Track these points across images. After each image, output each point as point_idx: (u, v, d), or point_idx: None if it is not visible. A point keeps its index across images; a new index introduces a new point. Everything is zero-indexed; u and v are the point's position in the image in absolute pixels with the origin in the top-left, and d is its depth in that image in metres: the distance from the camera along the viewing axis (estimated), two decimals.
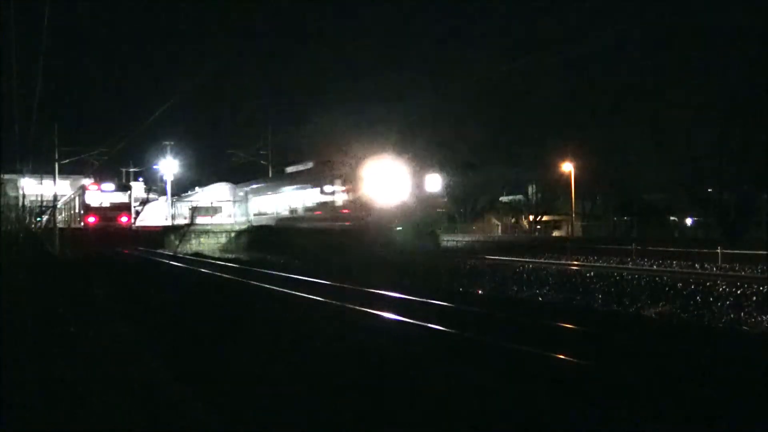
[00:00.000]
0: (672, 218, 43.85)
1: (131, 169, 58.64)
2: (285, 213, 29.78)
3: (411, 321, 9.05)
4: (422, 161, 23.29)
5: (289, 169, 31.17)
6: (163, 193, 48.63)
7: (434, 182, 23.66)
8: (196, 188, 51.56)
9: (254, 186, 36.19)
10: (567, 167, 41.39)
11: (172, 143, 47.84)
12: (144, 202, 44.57)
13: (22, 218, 54.06)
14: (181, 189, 54.45)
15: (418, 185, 22.47)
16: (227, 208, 42.17)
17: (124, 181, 52.20)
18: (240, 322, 9.37)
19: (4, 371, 5.28)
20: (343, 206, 23.25)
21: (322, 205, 24.83)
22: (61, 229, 39.18)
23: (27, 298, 9.95)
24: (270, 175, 41.37)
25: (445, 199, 29.72)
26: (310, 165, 28.69)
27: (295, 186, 28.78)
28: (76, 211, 42.09)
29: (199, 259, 26.09)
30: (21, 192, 53.12)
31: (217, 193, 45.95)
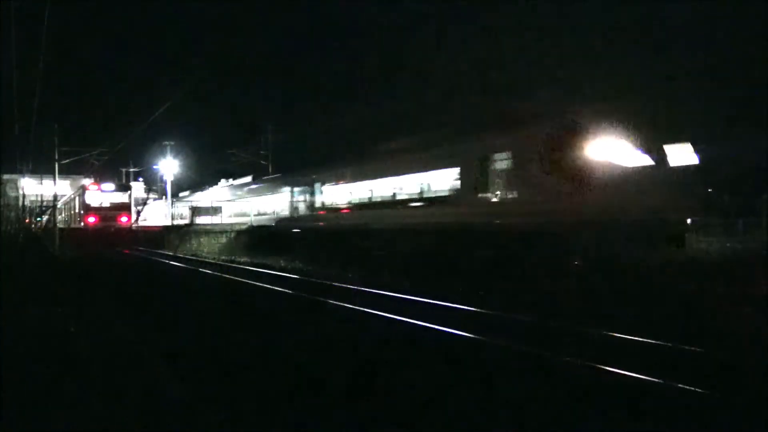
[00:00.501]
0: None
1: (131, 169, 58.85)
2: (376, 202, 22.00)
3: None
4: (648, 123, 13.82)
5: (395, 146, 22.30)
6: (163, 193, 48.65)
7: (680, 155, 14.12)
8: (224, 179, 46.22)
9: (331, 169, 26.71)
10: None
11: (172, 143, 47.91)
12: (144, 202, 44.59)
13: (22, 218, 54.06)
14: (181, 189, 54.47)
15: (652, 159, 13.59)
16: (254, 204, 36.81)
17: (124, 181, 52.31)
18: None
19: (5, 370, 5.26)
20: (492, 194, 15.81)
21: (464, 190, 17.00)
22: (61, 229, 39.18)
23: (27, 297, 9.93)
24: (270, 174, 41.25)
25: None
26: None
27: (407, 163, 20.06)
28: (76, 211, 42.14)
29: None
30: (21, 192, 53.13)
31: (218, 192, 45.93)
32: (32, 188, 56.30)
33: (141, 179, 58.54)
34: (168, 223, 42.16)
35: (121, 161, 58.62)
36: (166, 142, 47.68)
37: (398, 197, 20.37)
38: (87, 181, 43.24)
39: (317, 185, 26.75)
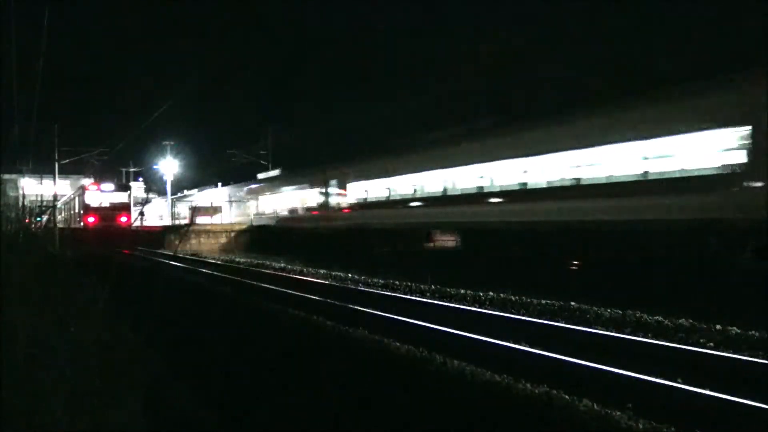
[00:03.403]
0: None
1: (131, 169, 58.80)
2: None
3: None
4: None
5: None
6: (163, 193, 48.67)
7: None
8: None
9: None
10: None
11: (172, 143, 47.88)
12: (145, 202, 44.61)
13: (22, 218, 54.02)
14: (181, 189, 54.47)
15: None
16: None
17: (124, 181, 52.31)
18: None
19: (4, 370, 5.23)
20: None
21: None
22: (61, 229, 39.18)
23: (26, 297, 9.89)
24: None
25: None
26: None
27: None
28: (76, 211, 42.12)
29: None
30: (21, 192, 53.11)
31: (218, 193, 45.89)
32: (32, 188, 56.24)
33: (141, 179, 58.55)
34: (168, 223, 42.15)
35: (121, 161, 58.62)
36: (166, 142, 47.70)
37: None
38: (87, 181, 43.24)
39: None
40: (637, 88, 15.00)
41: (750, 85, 10.77)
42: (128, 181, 54.36)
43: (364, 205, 23.13)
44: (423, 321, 9.36)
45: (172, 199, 47.41)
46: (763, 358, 6.75)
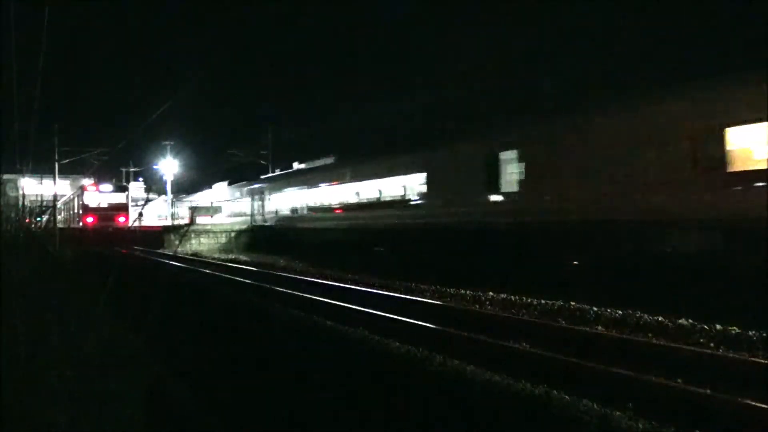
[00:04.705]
0: None
1: (131, 169, 58.80)
2: None
3: None
4: None
5: None
6: (163, 193, 48.66)
7: None
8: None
9: None
10: None
11: (172, 143, 47.83)
12: (145, 202, 44.63)
13: (23, 218, 53.94)
14: (181, 189, 54.43)
15: None
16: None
17: (124, 181, 52.37)
18: None
19: (4, 370, 5.22)
20: None
21: None
22: (60, 229, 39.17)
23: (27, 297, 9.88)
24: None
25: None
26: None
27: None
28: (75, 211, 42.15)
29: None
30: (21, 192, 53.05)
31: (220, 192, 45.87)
32: (32, 188, 56.24)
33: (141, 179, 58.59)
34: (168, 223, 42.13)
35: (121, 161, 58.64)
36: (166, 142, 47.66)
37: None
38: (87, 181, 43.26)
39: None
40: None
41: None
42: (128, 181, 54.40)
43: None
44: None
45: (172, 198, 47.39)
46: (762, 358, 6.78)
